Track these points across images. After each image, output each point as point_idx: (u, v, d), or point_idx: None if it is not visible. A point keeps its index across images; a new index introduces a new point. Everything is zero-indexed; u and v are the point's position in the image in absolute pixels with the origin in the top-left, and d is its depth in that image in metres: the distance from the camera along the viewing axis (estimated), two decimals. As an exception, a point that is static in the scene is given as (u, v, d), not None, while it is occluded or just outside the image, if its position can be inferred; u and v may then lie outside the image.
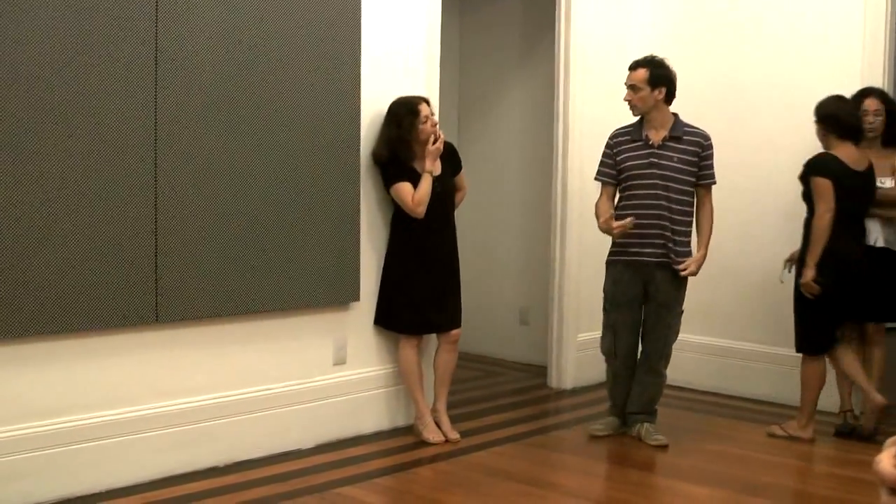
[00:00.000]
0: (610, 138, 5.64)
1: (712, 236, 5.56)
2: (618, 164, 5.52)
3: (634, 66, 5.46)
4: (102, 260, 4.41)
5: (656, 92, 5.40)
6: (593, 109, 6.99)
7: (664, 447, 5.49)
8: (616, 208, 5.55)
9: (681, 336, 5.73)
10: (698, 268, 5.48)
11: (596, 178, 5.65)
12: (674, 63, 5.54)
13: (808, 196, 5.68)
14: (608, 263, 5.62)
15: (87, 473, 4.47)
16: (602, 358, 5.82)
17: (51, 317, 4.26)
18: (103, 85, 4.37)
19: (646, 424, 5.63)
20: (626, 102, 5.48)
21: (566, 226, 6.92)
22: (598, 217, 5.51)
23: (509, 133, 7.96)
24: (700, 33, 7.00)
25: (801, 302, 5.65)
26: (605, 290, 5.66)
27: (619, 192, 5.57)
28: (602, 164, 5.64)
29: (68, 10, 4.23)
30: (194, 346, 4.88)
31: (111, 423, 4.56)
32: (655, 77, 5.39)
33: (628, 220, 5.33)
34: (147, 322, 4.62)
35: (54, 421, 4.37)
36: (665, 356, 5.62)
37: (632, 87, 5.41)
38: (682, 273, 5.43)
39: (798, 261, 5.71)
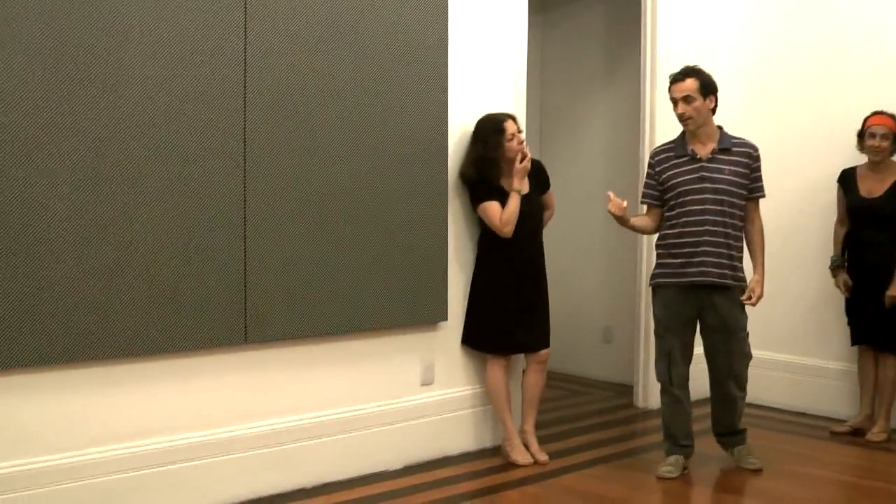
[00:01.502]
0: (651, 157, 5.40)
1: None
2: (662, 183, 5.27)
3: (682, 77, 5.15)
4: (192, 282, 4.42)
5: (708, 101, 5.16)
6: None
7: (759, 471, 5.35)
8: (664, 228, 5.30)
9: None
10: (762, 291, 5.22)
11: (641, 202, 5.49)
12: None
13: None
14: (656, 286, 5.33)
15: (175, 495, 4.47)
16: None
17: (139, 338, 4.27)
18: (192, 109, 4.39)
19: (739, 447, 5.48)
20: (679, 116, 5.18)
21: (653, 242, 6.79)
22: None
23: (593, 149, 7.88)
24: (788, 50, 6.85)
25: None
26: (655, 315, 5.36)
27: (667, 210, 5.29)
28: (646, 185, 5.41)
29: (162, 38, 4.25)
30: (282, 367, 4.86)
31: (199, 445, 4.56)
32: (706, 85, 5.15)
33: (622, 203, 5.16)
34: (236, 343, 4.62)
35: (143, 442, 4.39)
36: (734, 377, 5.31)
37: (685, 99, 5.12)
38: (749, 303, 5.19)
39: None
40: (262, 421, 4.79)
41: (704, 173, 5.15)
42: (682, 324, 5.24)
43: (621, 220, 5.27)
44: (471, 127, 5.45)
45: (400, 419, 5.33)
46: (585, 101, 7.95)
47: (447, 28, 5.40)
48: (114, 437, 4.29)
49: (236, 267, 4.56)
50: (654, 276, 5.36)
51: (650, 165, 5.38)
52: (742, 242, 5.27)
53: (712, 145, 5.21)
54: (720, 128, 5.29)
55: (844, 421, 6.30)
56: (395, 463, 5.31)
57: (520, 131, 5.41)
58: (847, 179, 6.14)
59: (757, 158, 5.26)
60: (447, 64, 5.41)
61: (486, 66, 5.69)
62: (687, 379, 5.33)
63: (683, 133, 5.30)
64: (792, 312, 6.52)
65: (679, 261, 5.19)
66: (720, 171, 5.15)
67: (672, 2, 6.87)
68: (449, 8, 5.41)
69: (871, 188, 5.97)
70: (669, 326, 5.26)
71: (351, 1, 4.94)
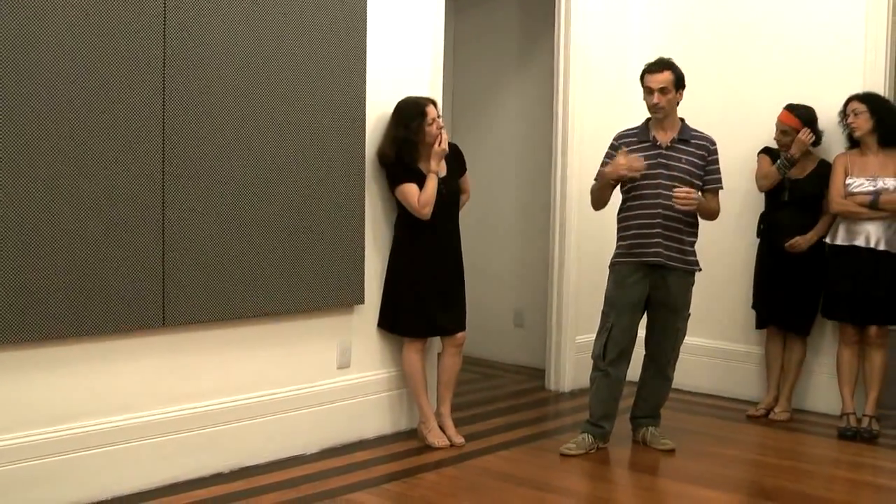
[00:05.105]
0: (614, 139, 5.52)
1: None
2: None
3: (659, 69, 5.33)
4: (110, 264, 4.33)
5: (678, 94, 5.36)
6: (593, 112, 6.97)
7: (671, 451, 5.46)
8: (621, 210, 5.45)
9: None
10: (692, 197, 5.18)
11: (595, 179, 5.54)
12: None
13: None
14: (612, 265, 5.47)
15: (92, 480, 4.40)
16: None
17: (56, 321, 4.18)
18: (112, 88, 4.29)
19: (650, 428, 5.59)
20: (652, 105, 5.33)
21: (565, 228, 6.88)
22: (596, 181, 5.47)
23: (506, 136, 7.90)
24: (699, 39, 6.96)
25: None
26: (606, 293, 5.49)
27: (624, 193, 5.45)
28: (603, 164, 5.48)
29: (79, 15, 4.16)
30: (200, 351, 4.81)
31: (116, 430, 4.49)
32: (679, 79, 5.36)
33: (637, 160, 5.25)
34: (153, 326, 4.55)
35: (59, 427, 4.30)
36: (673, 360, 5.55)
37: (661, 90, 5.28)
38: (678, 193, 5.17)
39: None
40: (180, 405, 4.73)
41: (662, 160, 5.32)
42: (631, 305, 5.38)
43: (604, 180, 5.40)
44: (388, 109, 5.42)
45: (317, 402, 5.31)
46: (498, 86, 7.96)
47: (366, 13, 5.38)
48: (29, 423, 4.19)
49: (155, 249, 4.49)
50: (613, 256, 5.49)
51: (612, 147, 5.50)
52: (696, 230, 5.43)
53: (672, 134, 5.38)
54: (682, 119, 5.46)
55: (757, 403, 6.44)
56: (312, 446, 5.29)
57: (439, 116, 5.41)
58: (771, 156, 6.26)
59: (714, 152, 5.42)
60: (366, 47, 5.38)
61: (405, 51, 5.68)
62: (626, 355, 5.45)
63: (647, 121, 5.47)
64: (705, 296, 6.62)
65: (635, 241, 5.34)
66: (678, 160, 5.32)
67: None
68: (367, -10, 5.41)
69: (792, 172, 6.08)
70: (616, 305, 5.40)
71: (270, -20, 4.90)
